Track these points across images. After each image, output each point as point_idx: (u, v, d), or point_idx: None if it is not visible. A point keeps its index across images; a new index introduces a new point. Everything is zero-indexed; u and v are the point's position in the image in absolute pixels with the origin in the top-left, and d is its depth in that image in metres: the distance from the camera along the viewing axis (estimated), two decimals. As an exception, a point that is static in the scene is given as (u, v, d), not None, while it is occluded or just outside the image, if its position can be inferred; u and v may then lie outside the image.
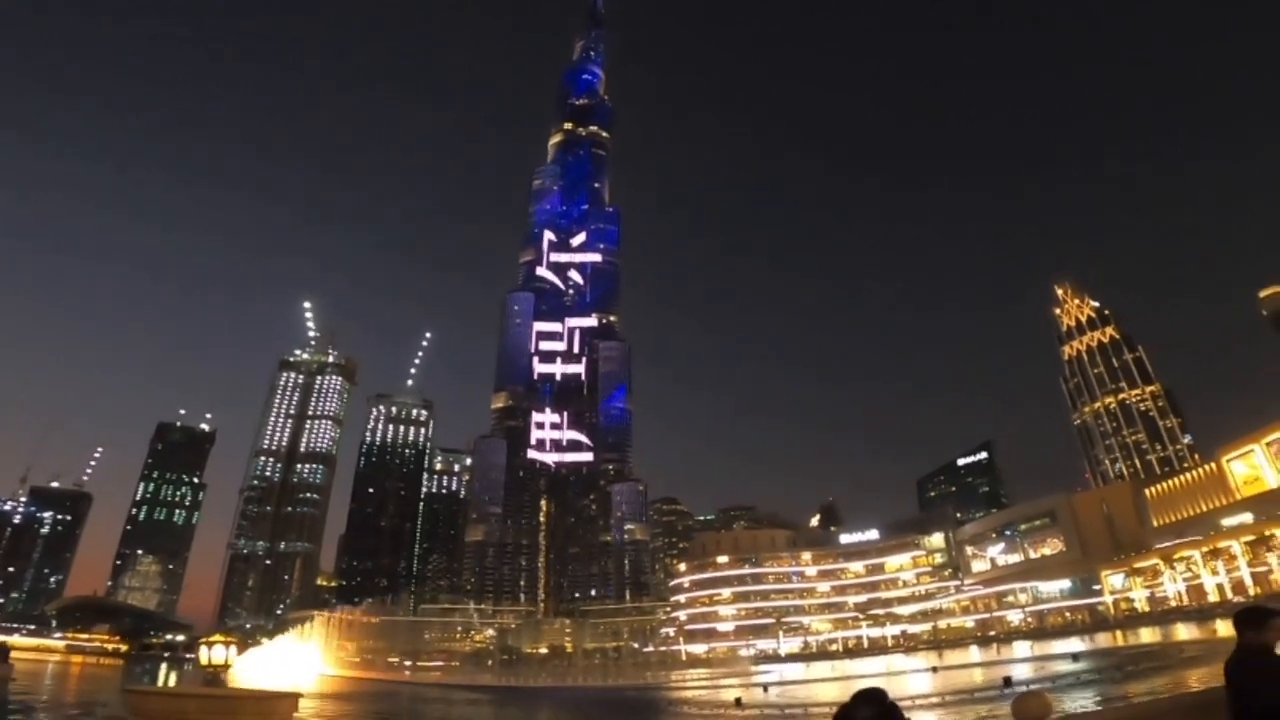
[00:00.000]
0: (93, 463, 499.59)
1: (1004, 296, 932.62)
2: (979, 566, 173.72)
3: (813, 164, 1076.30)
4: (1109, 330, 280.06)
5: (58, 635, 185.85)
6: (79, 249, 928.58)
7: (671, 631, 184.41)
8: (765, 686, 56.85)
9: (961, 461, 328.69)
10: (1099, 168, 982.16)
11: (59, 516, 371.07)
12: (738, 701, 40.97)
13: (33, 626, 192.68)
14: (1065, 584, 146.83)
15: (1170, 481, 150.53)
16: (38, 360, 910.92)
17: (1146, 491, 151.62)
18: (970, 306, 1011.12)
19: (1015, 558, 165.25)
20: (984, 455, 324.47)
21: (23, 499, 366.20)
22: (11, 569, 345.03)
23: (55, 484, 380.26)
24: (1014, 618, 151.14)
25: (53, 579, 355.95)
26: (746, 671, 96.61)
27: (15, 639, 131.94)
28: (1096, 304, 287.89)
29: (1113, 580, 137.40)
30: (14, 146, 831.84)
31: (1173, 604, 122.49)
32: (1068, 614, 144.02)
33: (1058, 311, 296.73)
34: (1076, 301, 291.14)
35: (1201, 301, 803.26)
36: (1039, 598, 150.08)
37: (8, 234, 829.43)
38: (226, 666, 5.93)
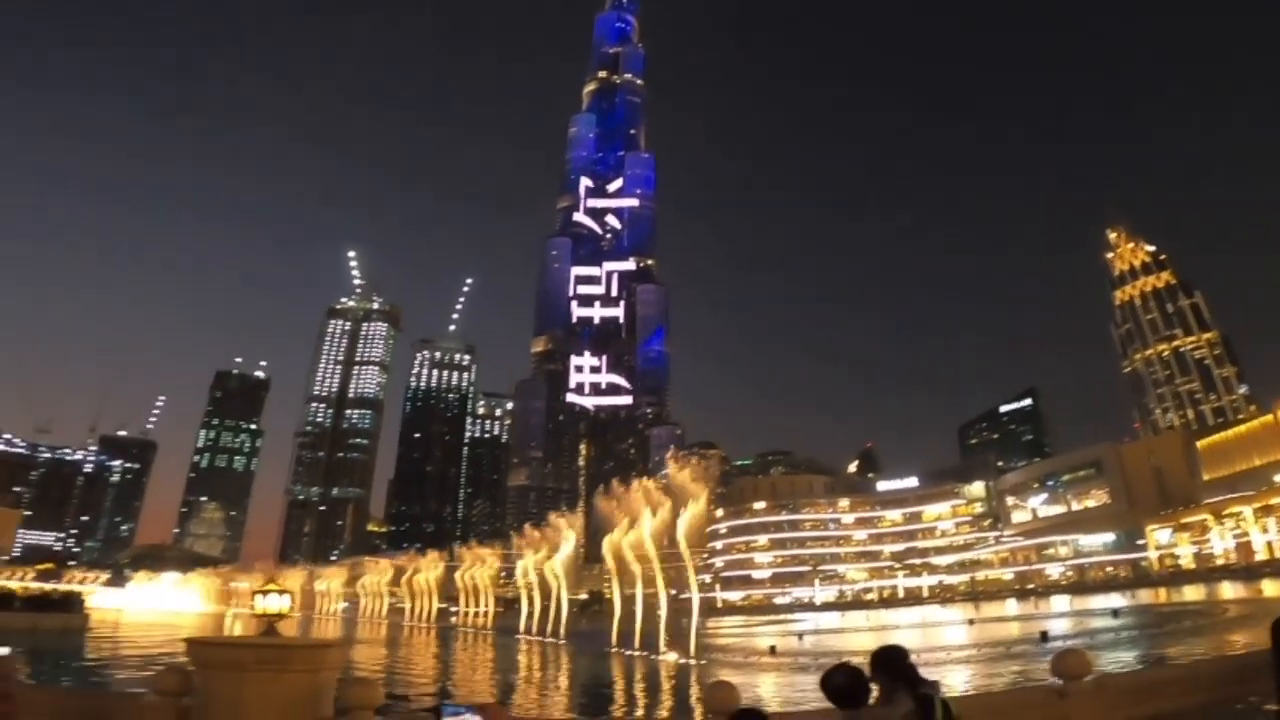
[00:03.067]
0: (155, 411, 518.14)
1: (1054, 239, 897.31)
2: (1019, 517, 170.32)
3: (857, 98, 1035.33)
4: (1164, 275, 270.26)
5: (131, 584, 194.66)
6: (113, 199, 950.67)
7: (708, 578, 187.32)
8: (800, 635, 57.96)
9: (1004, 408, 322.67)
10: (1156, 110, 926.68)
11: (127, 465, 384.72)
12: (772, 649, 41.95)
13: (108, 575, 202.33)
14: (1108, 538, 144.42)
15: (1224, 433, 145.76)
16: (99, 311, 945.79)
17: (1198, 443, 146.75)
18: (1019, 250, 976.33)
19: (1057, 509, 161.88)
20: (1028, 402, 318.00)
21: (93, 448, 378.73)
22: (85, 518, 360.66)
23: (123, 432, 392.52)
24: (1054, 571, 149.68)
25: (124, 527, 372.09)
26: (782, 619, 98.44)
27: (91, 588, 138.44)
28: (1151, 249, 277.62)
29: (1158, 535, 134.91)
30: (74, 99, 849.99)
31: (1219, 561, 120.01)
32: (1109, 569, 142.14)
33: (1110, 256, 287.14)
34: (1130, 246, 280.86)
35: (1263, 247, 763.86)
36: (1080, 551, 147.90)
37: (66, 189, 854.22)
38: (281, 616, 6.27)
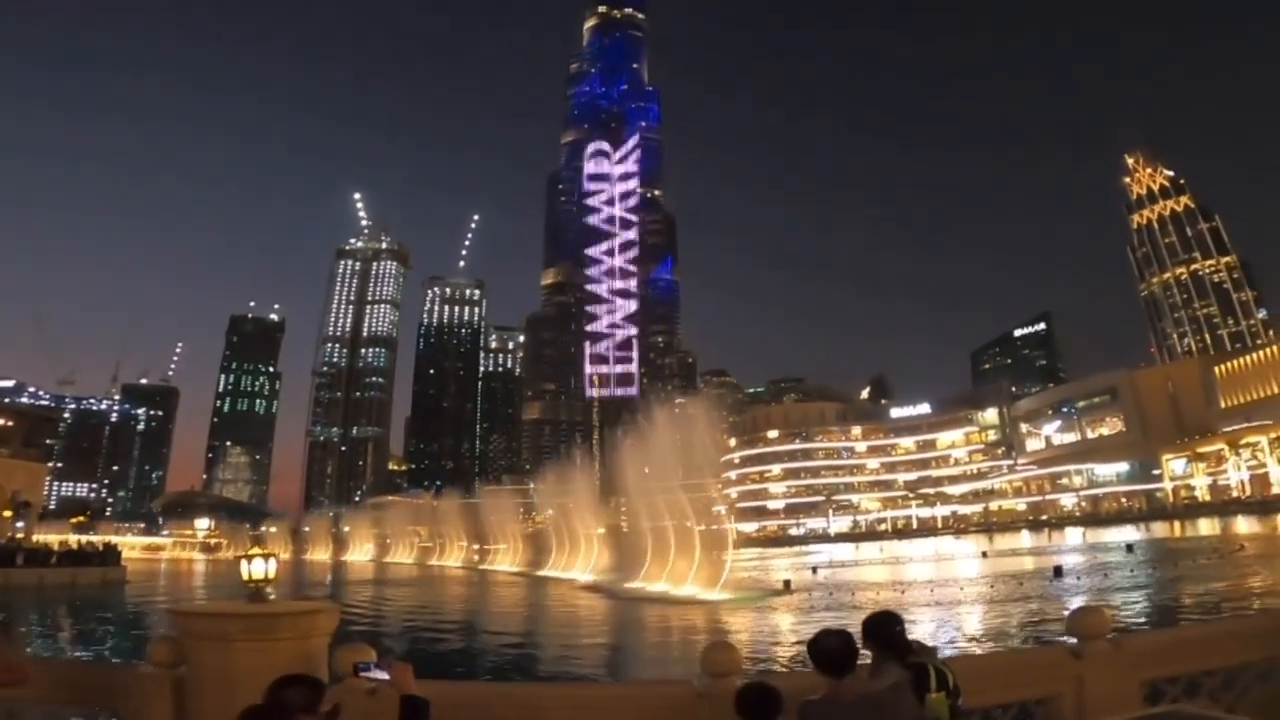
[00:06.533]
0: (175, 358, 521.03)
1: (1068, 162, 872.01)
2: (1034, 445, 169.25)
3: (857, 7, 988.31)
4: (1183, 199, 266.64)
5: (165, 533, 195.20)
6: (140, 158, 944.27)
7: (723, 509, 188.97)
8: (814, 568, 58.55)
9: (1018, 332, 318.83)
10: (1179, 30, 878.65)
11: (151, 412, 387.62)
12: (786, 584, 42.12)
13: (142, 525, 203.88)
14: (1123, 467, 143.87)
15: (1242, 359, 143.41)
16: (114, 262, 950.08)
17: (1216, 369, 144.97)
18: (1032, 172, 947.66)
19: (1072, 437, 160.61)
20: (1042, 326, 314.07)
21: (116, 397, 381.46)
22: (115, 468, 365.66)
23: (144, 381, 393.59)
24: (1068, 501, 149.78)
25: (153, 475, 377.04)
26: (797, 551, 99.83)
27: (128, 539, 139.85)
28: (1170, 173, 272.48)
29: (1174, 465, 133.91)
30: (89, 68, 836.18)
31: (1235, 494, 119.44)
32: (1124, 499, 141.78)
33: (1127, 180, 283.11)
34: (1148, 170, 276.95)
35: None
36: (1095, 481, 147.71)
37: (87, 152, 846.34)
38: (268, 581, 6.05)
